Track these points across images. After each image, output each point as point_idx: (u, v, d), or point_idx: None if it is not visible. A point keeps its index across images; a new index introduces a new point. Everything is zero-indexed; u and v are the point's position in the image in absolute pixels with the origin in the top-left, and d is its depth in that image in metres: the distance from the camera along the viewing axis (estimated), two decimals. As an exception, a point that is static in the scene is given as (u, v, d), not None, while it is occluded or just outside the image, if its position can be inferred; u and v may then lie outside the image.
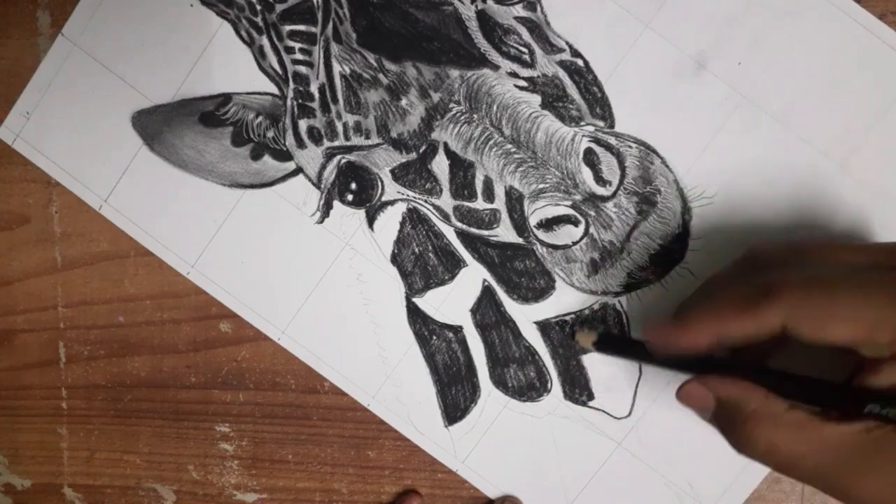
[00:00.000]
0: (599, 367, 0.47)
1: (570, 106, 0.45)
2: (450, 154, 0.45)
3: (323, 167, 0.47)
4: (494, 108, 0.44)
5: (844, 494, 0.36)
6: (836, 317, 0.34)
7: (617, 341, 0.45)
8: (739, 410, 0.37)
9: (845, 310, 0.34)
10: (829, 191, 0.44)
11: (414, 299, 0.48)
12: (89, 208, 0.49)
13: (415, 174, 0.46)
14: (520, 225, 0.45)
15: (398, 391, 0.48)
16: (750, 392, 0.37)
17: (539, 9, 0.45)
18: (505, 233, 0.46)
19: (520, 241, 0.46)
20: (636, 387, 0.47)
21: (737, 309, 0.37)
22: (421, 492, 0.49)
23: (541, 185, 0.44)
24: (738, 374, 0.38)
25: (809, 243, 0.39)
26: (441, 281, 0.47)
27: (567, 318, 0.47)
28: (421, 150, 0.45)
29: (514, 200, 0.45)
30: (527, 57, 0.45)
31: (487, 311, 0.47)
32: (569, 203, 0.44)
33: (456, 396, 0.48)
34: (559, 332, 0.47)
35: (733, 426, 0.37)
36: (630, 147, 0.45)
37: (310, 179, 0.47)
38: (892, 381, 0.35)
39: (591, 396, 0.47)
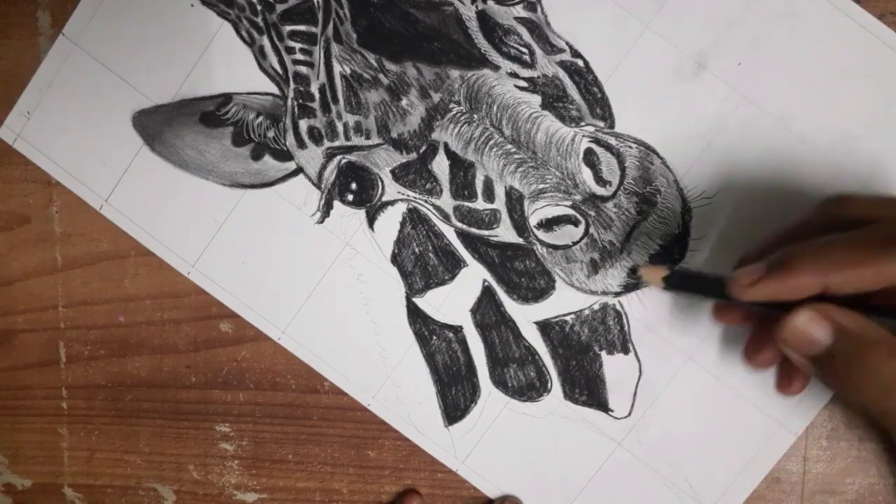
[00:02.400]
0: (600, 368, 0.47)
1: (571, 106, 0.45)
2: (450, 154, 0.45)
3: (323, 167, 0.47)
4: (495, 108, 0.45)
5: None
6: None
7: (690, 280, 0.42)
8: (861, 342, 0.35)
9: None
10: (829, 191, 0.44)
11: (414, 299, 0.48)
12: (89, 208, 0.49)
13: (415, 174, 0.46)
14: (520, 225, 0.45)
15: (398, 391, 0.48)
16: (871, 324, 0.35)
17: (539, 9, 0.45)
18: (505, 233, 0.46)
19: (520, 241, 0.46)
20: (636, 387, 0.47)
21: (856, 258, 0.34)
22: (421, 491, 0.49)
23: (541, 186, 0.44)
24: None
25: None
26: (441, 281, 0.47)
27: (567, 317, 0.47)
28: (421, 151, 0.46)
29: (515, 200, 0.45)
30: (527, 57, 0.45)
31: (487, 311, 0.47)
32: (569, 203, 0.44)
33: (456, 396, 0.48)
34: (559, 331, 0.47)
35: (849, 362, 0.35)
36: (630, 147, 0.45)
37: (310, 179, 0.47)
38: None
39: (592, 397, 0.47)
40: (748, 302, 0.37)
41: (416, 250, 0.47)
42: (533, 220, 0.45)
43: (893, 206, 0.38)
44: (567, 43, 0.45)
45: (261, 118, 0.47)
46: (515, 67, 0.45)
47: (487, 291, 0.47)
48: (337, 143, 0.46)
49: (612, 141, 0.44)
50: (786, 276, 0.35)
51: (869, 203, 0.38)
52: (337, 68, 0.45)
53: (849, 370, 0.35)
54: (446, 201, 0.46)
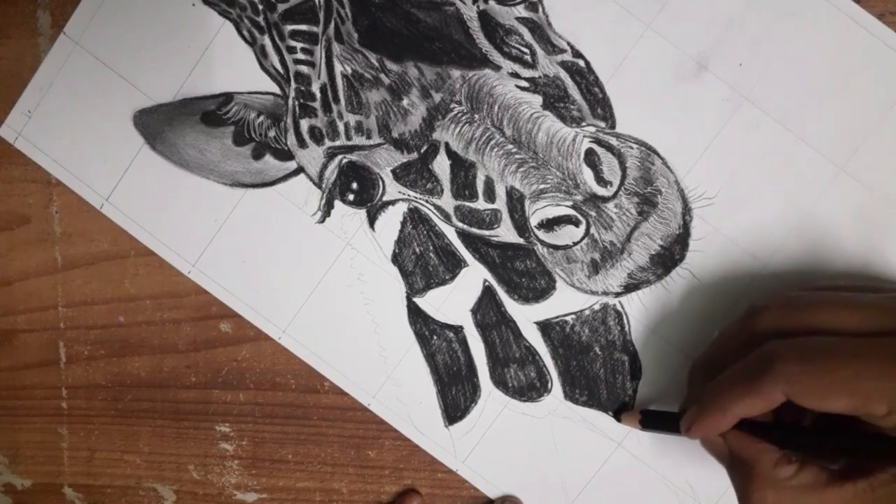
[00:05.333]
0: (601, 368, 0.47)
1: (572, 106, 0.45)
2: (451, 154, 0.45)
3: (324, 167, 0.47)
4: (496, 108, 0.45)
5: None
6: (832, 390, 0.35)
7: (659, 418, 0.46)
8: (749, 469, 0.38)
9: (841, 383, 0.35)
10: (829, 191, 0.45)
11: (415, 299, 0.48)
12: (90, 208, 0.49)
13: (416, 174, 0.46)
14: (521, 225, 0.45)
15: (398, 391, 0.48)
16: (762, 453, 0.38)
17: (540, 9, 0.45)
18: (506, 233, 0.46)
19: (521, 241, 0.46)
20: (636, 387, 0.47)
21: (740, 392, 0.37)
22: (421, 491, 0.49)
23: (542, 186, 0.44)
24: (758, 431, 0.39)
25: (808, 299, 0.39)
26: (442, 281, 0.47)
27: (567, 318, 0.47)
28: (422, 150, 0.46)
29: (515, 201, 0.45)
30: (528, 57, 0.45)
31: (488, 311, 0.47)
32: (570, 203, 0.44)
33: (456, 396, 0.48)
34: (559, 332, 0.47)
35: (741, 483, 0.39)
36: (631, 148, 0.45)
37: (311, 179, 0.47)
38: None
39: (592, 397, 0.47)
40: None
41: (417, 250, 0.47)
42: (534, 221, 0.45)
43: (790, 311, 0.39)
44: (568, 43, 0.45)
45: (262, 117, 0.47)
46: (517, 67, 0.45)
47: (488, 291, 0.47)
48: (338, 143, 0.46)
49: (614, 141, 0.45)
50: (706, 418, 0.39)
51: (771, 317, 0.40)
52: (338, 68, 0.45)
53: (738, 491, 0.39)
54: (447, 201, 0.46)
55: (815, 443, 0.39)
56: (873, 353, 0.35)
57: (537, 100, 0.45)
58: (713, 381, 0.40)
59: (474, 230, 0.46)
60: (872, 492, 0.35)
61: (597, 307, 0.47)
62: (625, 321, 0.47)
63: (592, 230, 0.45)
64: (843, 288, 0.41)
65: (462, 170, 0.45)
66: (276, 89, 0.46)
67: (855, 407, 0.35)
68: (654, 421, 0.46)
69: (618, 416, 0.47)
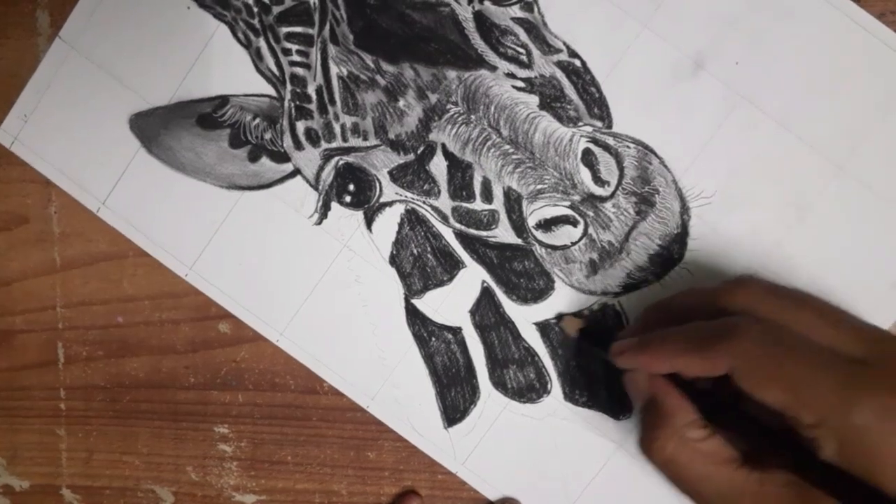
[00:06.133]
0: (600, 369, 0.47)
1: (568, 106, 0.45)
2: (448, 155, 0.45)
3: (321, 168, 0.47)
4: (492, 108, 0.44)
5: None
6: (775, 382, 0.35)
7: (599, 337, 0.45)
8: (661, 419, 0.39)
9: (787, 379, 0.35)
10: (828, 190, 0.44)
11: (413, 300, 0.48)
12: (88, 208, 0.49)
13: (413, 175, 0.46)
14: (518, 226, 0.45)
15: (397, 393, 0.48)
16: (680, 409, 0.39)
17: (536, 9, 0.44)
18: (503, 233, 0.46)
19: (518, 241, 0.46)
20: (636, 388, 0.47)
21: (691, 348, 0.38)
22: (421, 493, 0.49)
23: (539, 186, 0.44)
24: (686, 391, 0.39)
25: (795, 295, 0.40)
26: (440, 282, 0.47)
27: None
28: (419, 152, 0.45)
29: (513, 201, 0.45)
30: (524, 57, 0.45)
31: (486, 312, 0.47)
32: (567, 203, 0.44)
33: (455, 398, 0.48)
34: (559, 332, 0.47)
35: (648, 429, 0.40)
36: (628, 147, 0.44)
37: (307, 181, 0.47)
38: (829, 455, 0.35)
39: (592, 398, 0.47)
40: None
41: (415, 251, 0.47)
42: (531, 221, 0.45)
43: (750, 298, 0.39)
44: (564, 43, 0.45)
45: (258, 120, 0.47)
46: (513, 68, 0.45)
47: (486, 292, 0.47)
48: (334, 145, 0.46)
49: (611, 141, 0.44)
50: (643, 354, 0.40)
51: (752, 296, 0.40)
52: (334, 70, 0.45)
53: (644, 435, 0.40)
54: (444, 202, 0.46)
55: (730, 421, 0.39)
56: (831, 370, 0.35)
57: (534, 100, 0.45)
58: (668, 329, 0.40)
59: (472, 231, 0.46)
60: (760, 486, 0.36)
61: (596, 307, 0.46)
62: (624, 321, 0.46)
63: (590, 230, 0.45)
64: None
65: (459, 171, 0.45)
66: (272, 91, 0.46)
67: (787, 405, 0.35)
68: (593, 337, 0.46)
69: (559, 318, 0.47)
